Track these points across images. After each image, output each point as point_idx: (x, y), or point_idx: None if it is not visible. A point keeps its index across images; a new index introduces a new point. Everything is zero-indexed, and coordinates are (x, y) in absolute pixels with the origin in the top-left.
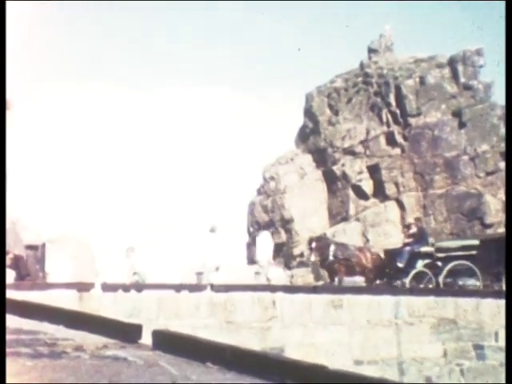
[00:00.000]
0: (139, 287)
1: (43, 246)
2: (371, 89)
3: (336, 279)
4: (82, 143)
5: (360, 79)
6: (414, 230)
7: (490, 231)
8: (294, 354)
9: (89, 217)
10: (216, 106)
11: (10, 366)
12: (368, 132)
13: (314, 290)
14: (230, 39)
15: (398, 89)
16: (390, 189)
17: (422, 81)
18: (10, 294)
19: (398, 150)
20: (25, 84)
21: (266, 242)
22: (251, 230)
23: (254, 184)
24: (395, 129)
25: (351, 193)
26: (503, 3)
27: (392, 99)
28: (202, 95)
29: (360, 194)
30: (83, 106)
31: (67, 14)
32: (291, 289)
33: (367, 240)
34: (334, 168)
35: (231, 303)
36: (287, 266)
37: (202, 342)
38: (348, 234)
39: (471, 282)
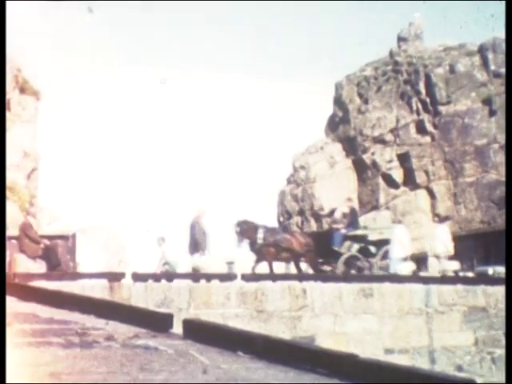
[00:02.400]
0: (170, 277)
1: (74, 236)
2: (401, 77)
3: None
4: (112, 134)
5: (390, 67)
6: (339, 212)
7: None
8: (324, 342)
9: (119, 207)
10: (247, 95)
11: (42, 355)
12: (398, 120)
13: (344, 278)
14: (262, 29)
15: (427, 77)
16: (420, 177)
17: (452, 69)
18: (42, 284)
19: (428, 139)
20: (58, 76)
21: (402, 235)
22: (281, 219)
23: (284, 173)
24: (425, 117)
25: (381, 181)
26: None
27: (422, 87)
28: (234, 85)
29: (390, 182)
30: (113, 96)
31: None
32: (322, 278)
33: None
34: (364, 157)
35: (262, 292)
36: None
37: (233, 331)
38: (378, 223)
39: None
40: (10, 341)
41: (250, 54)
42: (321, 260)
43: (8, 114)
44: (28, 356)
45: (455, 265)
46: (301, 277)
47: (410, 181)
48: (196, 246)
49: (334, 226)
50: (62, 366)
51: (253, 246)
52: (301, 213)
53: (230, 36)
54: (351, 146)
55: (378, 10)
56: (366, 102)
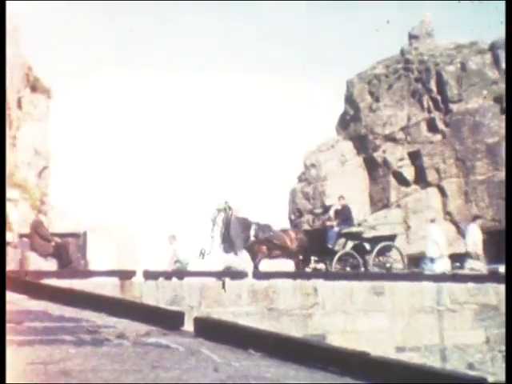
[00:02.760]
0: (181, 275)
1: (85, 233)
2: (412, 75)
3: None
4: (123, 132)
5: (401, 65)
6: (333, 210)
7: None
8: (335, 341)
9: (130, 205)
10: (258, 93)
11: (54, 353)
12: (409, 118)
13: (355, 276)
14: (274, 27)
15: (438, 75)
16: (431, 175)
17: (463, 67)
18: (53, 281)
19: (439, 137)
20: (69, 74)
21: (437, 233)
22: (292, 217)
23: (295, 171)
24: (436, 115)
25: (392, 179)
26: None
27: (433, 85)
28: (245, 83)
29: (401, 180)
30: (124, 94)
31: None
32: (332, 276)
33: (409, 227)
34: (375, 155)
35: (273, 290)
36: None
37: (244, 328)
38: (389, 221)
39: (400, 266)
40: (20, 339)
41: (261, 53)
42: (315, 258)
43: (19, 113)
44: (39, 354)
45: (481, 265)
46: (312, 275)
47: (421, 179)
48: (231, 244)
49: (328, 223)
50: (73, 364)
51: (245, 242)
52: (312, 211)
53: (241, 34)
54: (362, 144)
55: (389, 7)
56: (377, 100)
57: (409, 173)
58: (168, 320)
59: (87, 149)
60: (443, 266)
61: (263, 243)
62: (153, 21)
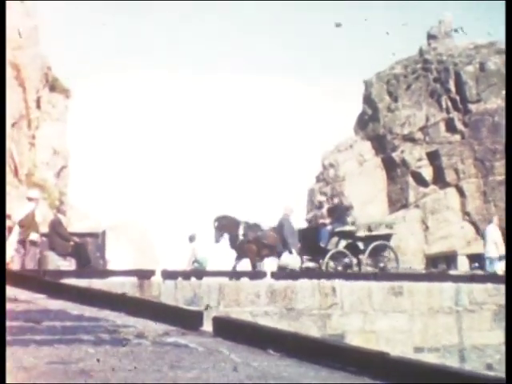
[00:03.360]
0: (200, 274)
1: (103, 233)
2: (430, 75)
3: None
4: (141, 132)
5: (419, 66)
6: (325, 207)
7: None
8: (354, 341)
9: (149, 204)
10: (277, 94)
11: (72, 352)
12: (427, 118)
13: (374, 277)
14: (291, 28)
15: (457, 75)
16: (449, 175)
17: (482, 67)
18: (71, 281)
19: (457, 137)
20: (87, 74)
21: (495, 234)
22: (309, 217)
23: (313, 171)
24: (455, 115)
25: (411, 180)
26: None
27: (452, 85)
28: (264, 84)
29: (420, 180)
30: (142, 94)
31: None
32: (351, 276)
33: (427, 227)
34: (394, 155)
35: (291, 290)
36: None
37: (263, 328)
38: (408, 221)
39: (393, 265)
40: (40, 338)
41: (280, 54)
42: (308, 257)
43: (38, 112)
44: (58, 353)
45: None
46: (330, 275)
47: (439, 179)
48: (284, 244)
49: (321, 221)
50: (92, 364)
51: (233, 242)
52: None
53: (259, 36)
54: (380, 144)
55: (408, 7)
56: (395, 100)
57: (427, 173)
58: (187, 320)
59: (106, 148)
60: (502, 266)
61: (252, 242)
62: (173, 21)
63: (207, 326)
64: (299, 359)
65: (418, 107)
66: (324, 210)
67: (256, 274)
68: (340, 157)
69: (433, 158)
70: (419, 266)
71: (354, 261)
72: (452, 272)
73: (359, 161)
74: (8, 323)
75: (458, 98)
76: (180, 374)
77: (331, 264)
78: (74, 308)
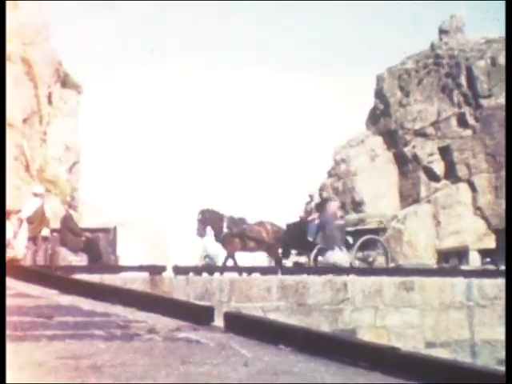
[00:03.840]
0: (211, 270)
1: (115, 229)
2: (442, 70)
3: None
4: (153, 127)
5: (431, 60)
6: (316, 201)
7: None
8: (365, 336)
9: (160, 200)
10: (287, 89)
11: (85, 347)
12: (439, 113)
13: (385, 272)
14: (304, 23)
15: (469, 70)
16: (461, 170)
17: (494, 61)
18: (83, 276)
19: (469, 132)
20: (98, 69)
21: None
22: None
23: (324, 166)
24: (466, 110)
25: (422, 175)
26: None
27: (463, 80)
28: (276, 79)
29: (431, 175)
30: (154, 89)
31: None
32: (362, 271)
33: (438, 222)
34: (405, 150)
35: (303, 286)
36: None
37: (274, 324)
38: (419, 216)
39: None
40: (51, 333)
41: (292, 49)
42: (296, 251)
43: (49, 108)
44: (70, 348)
45: None
46: (341, 270)
47: (451, 174)
48: (333, 241)
49: (310, 218)
50: (103, 359)
51: (217, 236)
52: (341, 206)
53: (271, 30)
54: (392, 139)
55: (419, 2)
56: (407, 94)
57: (439, 168)
58: (198, 315)
59: (117, 144)
60: None
61: (236, 236)
62: (184, 16)
63: (218, 322)
64: (310, 354)
65: (430, 102)
66: (312, 205)
67: (267, 270)
68: (352, 152)
69: (444, 152)
70: (430, 261)
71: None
72: (463, 267)
73: (371, 156)
74: (20, 318)
75: (469, 92)
76: (191, 369)
77: (320, 258)
78: (85, 303)
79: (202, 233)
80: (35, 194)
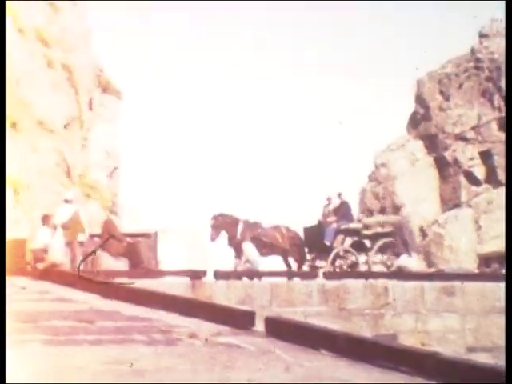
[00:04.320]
0: (251, 274)
1: (155, 234)
2: (482, 74)
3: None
4: (193, 133)
5: (471, 64)
6: (335, 204)
7: None
8: (406, 341)
9: (201, 205)
10: (329, 93)
11: (126, 352)
12: (479, 118)
13: (426, 277)
14: (343, 27)
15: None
16: (502, 175)
17: None
18: (124, 281)
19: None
20: (139, 75)
21: None
22: (361, 217)
23: (365, 171)
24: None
25: (463, 179)
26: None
27: (504, 84)
28: (317, 83)
29: (472, 180)
30: (193, 95)
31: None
32: (404, 276)
33: (479, 226)
34: (446, 154)
35: (344, 290)
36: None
37: (315, 328)
38: (460, 221)
39: (402, 262)
40: (93, 338)
41: (334, 53)
42: (313, 255)
43: (90, 114)
44: (111, 353)
45: None
46: (383, 275)
47: (492, 178)
48: (404, 246)
49: (328, 219)
50: (145, 364)
51: (231, 240)
52: (382, 210)
53: (308, 35)
54: (432, 144)
55: (458, 6)
56: (447, 99)
57: (480, 172)
58: (239, 320)
59: (157, 149)
60: None
61: (250, 241)
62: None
63: (259, 326)
64: (352, 359)
65: (470, 106)
66: (330, 208)
67: (308, 274)
68: (392, 156)
69: (485, 157)
70: (472, 266)
71: (361, 259)
72: (505, 272)
73: (411, 160)
74: (61, 323)
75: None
76: (232, 373)
77: (337, 263)
78: (127, 308)
79: (215, 238)
80: (66, 201)
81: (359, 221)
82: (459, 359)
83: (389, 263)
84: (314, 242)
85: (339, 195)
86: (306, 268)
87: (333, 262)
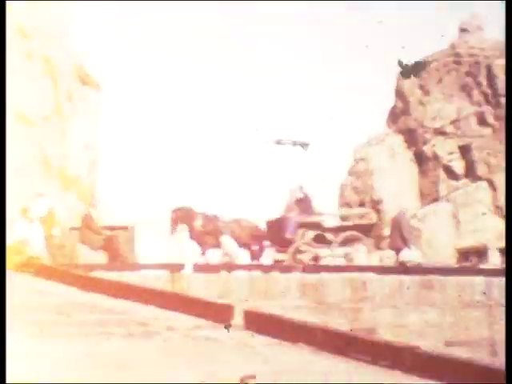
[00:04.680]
0: (230, 268)
1: (134, 227)
2: (462, 69)
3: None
4: (174, 126)
5: (451, 59)
6: (297, 197)
7: None
8: (384, 335)
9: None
10: (307, 84)
11: (102, 345)
12: (459, 112)
13: (404, 270)
14: (320, 25)
15: (489, 68)
16: (481, 169)
17: None
18: (103, 274)
19: (489, 130)
20: (118, 68)
21: None
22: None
23: (345, 165)
24: (487, 109)
25: (442, 173)
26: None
27: (483, 79)
28: (293, 73)
29: (451, 174)
30: (175, 86)
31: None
32: (382, 270)
33: (458, 221)
34: (425, 148)
35: (322, 284)
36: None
37: (294, 322)
38: (439, 215)
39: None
40: (71, 331)
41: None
42: (274, 249)
43: (69, 106)
44: (90, 346)
45: None
46: (361, 268)
47: (471, 173)
48: (404, 241)
49: (289, 213)
50: (122, 357)
51: (191, 233)
52: (361, 205)
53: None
54: (412, 138)
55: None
56: (427, 93)
57: (459, 166)
58: (218, 313)
59: (136, 142)
60: None
61: (209, 234)
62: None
63: (238, 320)
64: (330, 353)
65: (450, 100)
66: (292, 201)
67: (287, 268)
68: (371, 150)
69: (464, 151)
70: (450, 260)
71: (323, 252)
72: (483, 266)
73: (391, 154)
74: (40, 316)
75: (489, 91)
76: (210, 367)
77: (298, 256)
78: (105, 301)
79: (174, 231)
80: (39, 194)
81: (320, 214)
82: (438, 353)
83: (350, 257)
84: (276, 235)
85: (301, 188)
86: (267, 261)
87: (294, 256)
